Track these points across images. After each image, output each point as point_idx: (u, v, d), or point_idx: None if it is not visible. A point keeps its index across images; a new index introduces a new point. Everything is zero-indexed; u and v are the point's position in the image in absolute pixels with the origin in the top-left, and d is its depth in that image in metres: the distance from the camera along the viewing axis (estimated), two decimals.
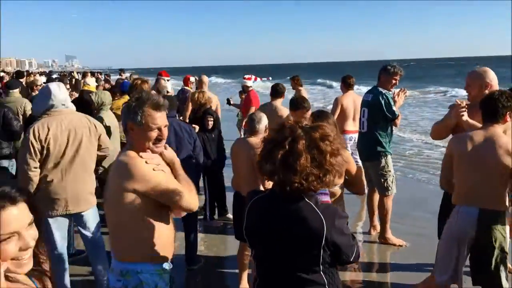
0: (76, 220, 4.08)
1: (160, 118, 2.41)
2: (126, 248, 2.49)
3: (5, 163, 4.47)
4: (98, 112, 5.79)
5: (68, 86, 8.43)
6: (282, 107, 6.18)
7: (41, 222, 1.44)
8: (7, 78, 14.10)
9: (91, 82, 8.15)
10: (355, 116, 7.13)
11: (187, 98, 7.79)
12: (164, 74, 11.66)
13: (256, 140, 3.96)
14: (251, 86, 9.11)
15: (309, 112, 4.62)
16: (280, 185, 2.02)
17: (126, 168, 2.38)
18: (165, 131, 2.46)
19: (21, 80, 12.14)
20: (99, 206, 3.69)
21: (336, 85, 40.66)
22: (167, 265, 2.56)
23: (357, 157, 7.40)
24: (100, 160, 4.24)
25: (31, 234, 1.35)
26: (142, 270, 2.45)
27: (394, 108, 5.24)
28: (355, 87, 7.97)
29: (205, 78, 8.41)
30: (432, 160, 9.98)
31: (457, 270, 3.43)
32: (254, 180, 3.92)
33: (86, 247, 4.26)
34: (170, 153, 2.58)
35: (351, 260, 2.11)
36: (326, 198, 2.38)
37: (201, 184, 5.86)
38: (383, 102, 5.22)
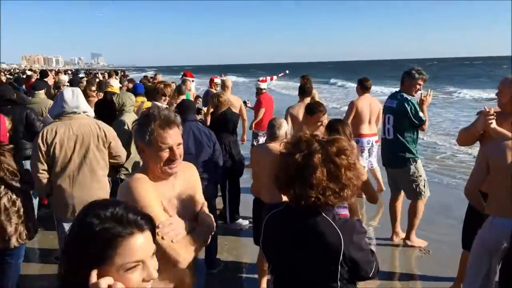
0: None
1: (171, 137, 2.15)
2: None
3: (28, 164, 4.54)
4: (120, 114, 5.81)
5: (93, 87, 8.51)
6: None
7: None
8: (35, 77, 14.36)
9: (114, 83, 8.22)
10: (371, 119, 7.06)
11: None
12: (189, 75, 11.74)
13: (276, 146, 3.95)
14: (264, 89, 9.21)
15: (325, 116, 4.60)
16: (296, 199, 1.99)
17: (125, 190, 2.16)
18: (178, 151, 2.18)
19: (45, 79, 12.37)
20: None
21: (347, 84, 40.81)
22: None
23: (373, 160, 7.31)
24: (117, 166, 4.25)
25: (154, 265, 1.31)
26: None
27: (420, 114, 5.15)
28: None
29: (228, 82, 8.45)
30: (459, 164, 9.79)
31: (487, 282, 3.35)
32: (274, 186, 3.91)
33: None
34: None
35: (370, 276, 2.07)
36: (345, 212, 2.35)
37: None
38: (409, 108, 5.12)
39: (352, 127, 6.97)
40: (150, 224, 1.33)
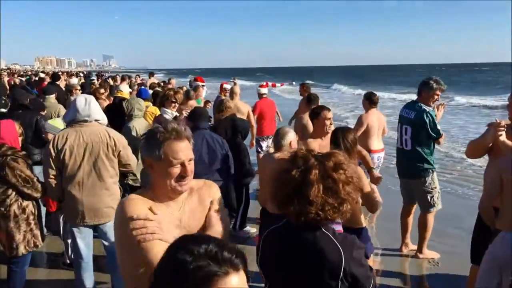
0: (97, 230, 4.16)
1: (183, 151, 1.99)
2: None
3: (36, 169, 4.57)
4: (129, 120, 5.83)
5: (102, 90, 8.55)
6: None
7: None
8: (47, 80, 14.49)
9: (124, 89, 8.24)
10: (379, 134, 7.03)
11: None
12: (200, 80, 11.78)
13: (280, 156, 3.95)
14: (264, 94, 9.25)
15: (331, 113, 4.63)
16: (296, 216, 1.98)
17: (118, 210, 2.00)
18: (190, 166, 2.02)
19: (57, 82, 12.47)
20: None
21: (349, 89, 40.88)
22: None
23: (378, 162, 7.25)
24: (126, 172, 4.28)
25: None
26: None
27: (438, 127, 5.08)
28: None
29: (236, 88, 8.48)
30: (470, 174, 9.64)
31: None
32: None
33: (107, 256, 4.33)
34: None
35: None
36: (339, 228, 2.34)
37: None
38: (427, 121, 5.04)
39: (361, 142, 6.94)
40: (244, 263, 1.23)
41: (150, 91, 8.85)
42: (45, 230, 4.94)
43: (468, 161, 10.05)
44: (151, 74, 18.53)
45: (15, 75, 33.30)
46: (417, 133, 5.14)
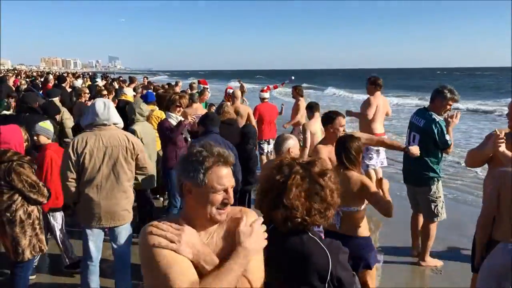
0: (110, 233, 4.21)
1: (227, 177, 1.87)
2: None
3: None
4: (131, 123, 5.86)
5: (105, 92, 8.60)
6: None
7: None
8: (52, 82, 14.53)
9: (128, 92, 8.29)
10: (382, 117, 7.12)
11: None
12: (203, 82, 11.83)
13: None
14: (265, 98, 9.35)
15: (344, 121, 4.60)
16: (283, 221, 2.03)
17: (142, 231, 1.86)
18: (232, 193, 1.91)
19: (63, 85, 12.52)
20: None
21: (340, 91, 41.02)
22: None
23: (384, 160, 7.26)
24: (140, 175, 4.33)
25: None
26: None
27: (447, 137, 5.04)
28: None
29: (237, 92, 8.58)
30: (475, 180, 9.57)
31: None
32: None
33: (114, 260, 4.36)
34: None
35: None
36: (321, 234, 2.40)
37: None
38: (436, 131, 5.02)
39: (365, 126, 6.91)
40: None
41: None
42: (48, 234, 4.98)
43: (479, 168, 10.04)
44: (130, 78, 17.96)
45: (22, 76, 33.45)
46: (425, 141, 5.11)
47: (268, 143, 8.71)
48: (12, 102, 8.57)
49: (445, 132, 5.04)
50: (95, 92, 9.82)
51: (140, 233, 1.85)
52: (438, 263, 5.41)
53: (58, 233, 4.99)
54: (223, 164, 1.87)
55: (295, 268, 2.01)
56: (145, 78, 19.41)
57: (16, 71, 55.57)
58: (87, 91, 9.13)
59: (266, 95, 9.47)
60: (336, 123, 4.50)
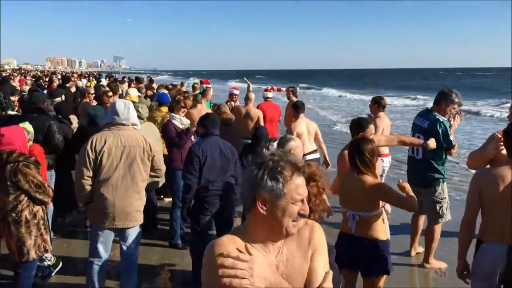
0: (120, 234, 4.21)
1: (303, 187, 1.75)
2: None
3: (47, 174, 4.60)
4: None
5: (110, 93, 8.63)
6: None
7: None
8: (57, 82, 14.59)
9: (132, 92, 8.30)
10: None
11: None
12: (206, 82, 11.84)
13: None
14: (269, 98, 9.49)
15: (374, 129, 4.60)
16: None
17: (208, 246, 1.76)
18: (307, 204, 1.80)
19: (67, 85, 12.56)
20: None
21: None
22: None
23: (386, 168, 7.26)
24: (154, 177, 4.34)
25: None
26: None
27: (451, 137, 5.04)
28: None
29: (251, 95, 8.59)
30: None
31: None
32: None
33: (121, 260, 4.36)
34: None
35: None
36: None
37: None
38: (440, 131, 5.01)
39: None
40: None
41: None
42: (52, 234, 4.99)
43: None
44: (137, 79, 17.77)
45: (27, 76, 33.58)
46: None
47: (271, 141, 8.72)
48: (15, 100, 8.53)
49: (450, 133, 5.04)
50: (100, 93, 9.84)
51: (205, 255, 1.74)
52: (443, 265, 5.39)
53: None
54: (301, 173, 1.76)
55: None
56: (149, 77, 19.45)
57: (22, 71, 55.74)
58: (92, 91, 9.14)
59: (270, 94, 9.58)
60: (367, 131, 4.43)
